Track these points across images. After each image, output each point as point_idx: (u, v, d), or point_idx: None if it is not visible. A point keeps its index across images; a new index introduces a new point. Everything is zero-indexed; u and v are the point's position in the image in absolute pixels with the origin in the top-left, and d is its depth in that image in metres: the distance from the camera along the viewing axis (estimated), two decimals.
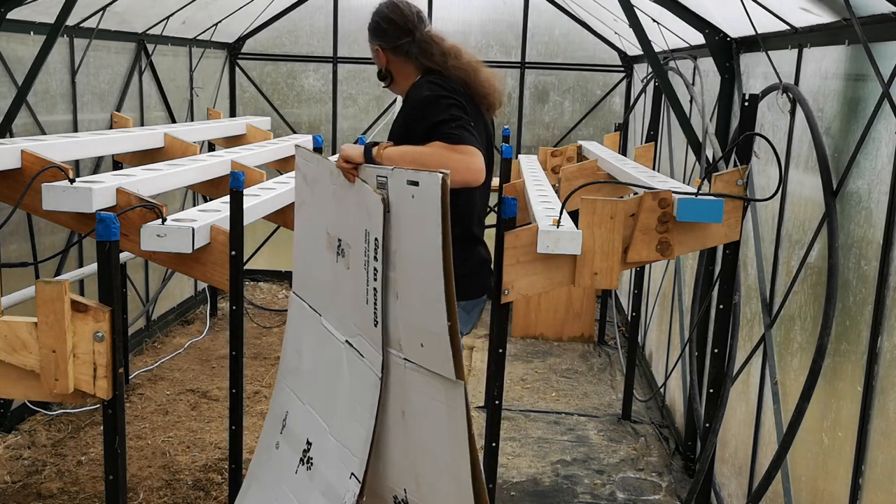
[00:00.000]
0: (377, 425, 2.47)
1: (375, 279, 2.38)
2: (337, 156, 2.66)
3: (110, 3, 4.90)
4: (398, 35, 2.85)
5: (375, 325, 2.42)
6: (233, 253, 3.14)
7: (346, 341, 2.62)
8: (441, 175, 2.12)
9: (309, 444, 2.74)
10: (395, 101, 7.51)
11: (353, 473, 2.49)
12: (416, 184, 2.21)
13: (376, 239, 2.35)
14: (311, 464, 2.71)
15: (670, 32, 4.82)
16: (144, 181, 3.42)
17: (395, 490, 2.53)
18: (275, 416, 2.99)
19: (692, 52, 4.71)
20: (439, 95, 2.65)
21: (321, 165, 2.71)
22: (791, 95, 3.10)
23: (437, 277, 2.16)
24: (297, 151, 2.87)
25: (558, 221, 3.04)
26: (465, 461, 2.25)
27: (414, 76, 2.85)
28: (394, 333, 2.40)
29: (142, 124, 5.88)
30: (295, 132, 7.55)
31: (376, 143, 2.58)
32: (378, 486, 2.59)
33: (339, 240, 2.60)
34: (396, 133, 2.73)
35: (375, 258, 2.37)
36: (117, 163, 5.01)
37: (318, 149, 4.52)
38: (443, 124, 2.55)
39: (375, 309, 2.40)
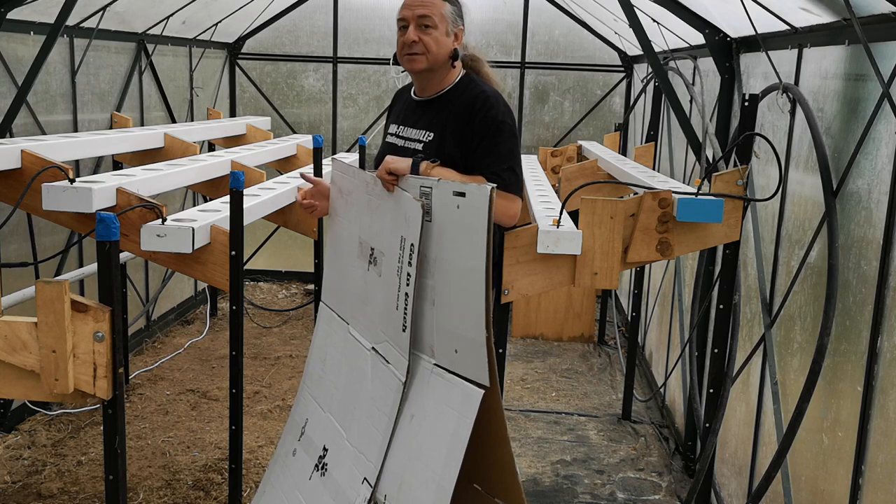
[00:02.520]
0: (394, 430, 2.51)
1: (408, 284, 2.43)
2: (372, 170, 2.66)
3: (110, 3, 4.90)
4: (464, 22, 2.73)
5: (404, 331, 2.47)
6: (233, 253, 3.14)
7: (373, 348, 2.66)
8: (489, 188, 2.20)
9: (325, 450, 2.77)
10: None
11: (365, 478, 2.52)
12: (462, 195, 2.28)
13: (412, 245, 2.41)
14: (326, 470, 2.73)
15: (670, 32, 4.82)
16: (144, 181, 3.42)
17: (378, 494, 2.54)
18: (294, 423, 3.02)
19: (692, 52, 4.71)
20: (512, 127, 2.63)
21: (357, 177, 2.74)
22: (791, 95, 3.10)
23: (480, 287, 2.25)
24: (334, 164, 2.90)
25: (558, 221, 3.04)
26: (454, 473, 2.27)
27: (448, 72, 2.72)
28: (426, 339, 2.45)
29: (142, 124, 5.88)
30: (295, 132, 7.55)
31: (424, 159, 2.55)
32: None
33: (372, 248, 2.64)
34: (432, 124, 2.68)
35: (410, 264, 2.43)
36: (117, 163, 5.01)
37: (318, 149, 4.51)
38: (502, 161, 2.57)
39: (405, 314, 2.45)
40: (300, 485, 2.84)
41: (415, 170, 2.51)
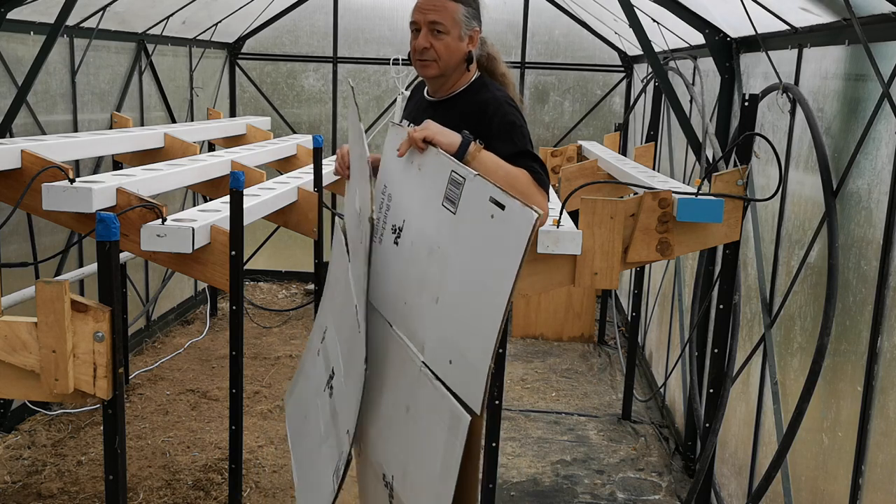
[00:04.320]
0: (367, 403, 2.45)
1: (383, 229, 2.35)
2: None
3: (110, 3, 4.90)
4: (480, 21, 2.63)
5: (357, 314, 2.38)
6: (233, 253, 3.14)
7: (355, 305, 2.55)
8: (536, 215, 1.91)
9: (333, 373, 2.69)
10: (394, 101, 7.51)
11: (348, 430, 2.47)
12: (500, 206, 2.03)
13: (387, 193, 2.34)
14: (332, 393, 2.68)
15: (670, 32, 4.82)
16: (144, 181, 3.42)
17: (385, 469, 2.48)
18: (319, 324, 2.94)
19: (692, 52, 4.71)
20: (524, 127, 2.54)
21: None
22: (791, 95, 3.10)
23: (498, 311, 2.01)
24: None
25: (558, 221, 3.04)
26: (450, 485, 2.14)
27: (462, 74, 2.64)
28: (418, 332, 2.29)
29: (142, 124, 5.88)
30: (295, 132, 7.55)
31: (474, 139, 2.40)
32: (375, 457, 2.56)
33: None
34: (444, 126, 2.57)
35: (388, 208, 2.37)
36: (117, 163, 5.01)
37: (318, 149, 4.51)
38: (531, 158, 2.47)
39: (367, 282, 2.33)
40: (319, 392, 2.79)
41: (462, 150, 2.37)
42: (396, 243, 2.43)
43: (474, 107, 2.57)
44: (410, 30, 2.61)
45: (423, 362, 2.28)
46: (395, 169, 2.48)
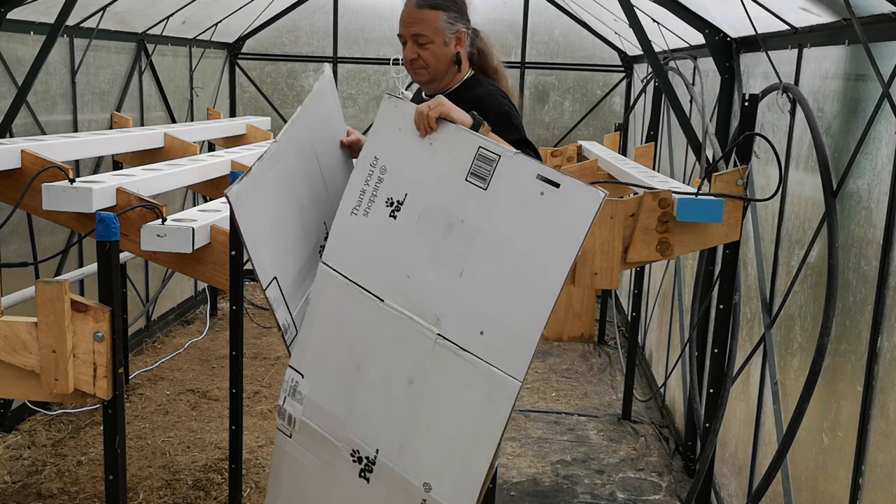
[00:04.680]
0: (331, 385, 2.54)
1: (365, 198, 2.41)
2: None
3: (110, 3, 4.90)
4: (467, 19, 2.69)
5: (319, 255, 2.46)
6: (233, 253, 3.14)
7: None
8: (603, 195, 2.10)
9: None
10: None
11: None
12: (554, 184, 2.14)
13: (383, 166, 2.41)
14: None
15: (670, 32, 4.82)
16: (144, 181, 3.42)
17: (358, 445, 2.49)
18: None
19: (692, 52, 4.71)
20: (518, 117, 2.62)
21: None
22: (791, 95, 3.10)
23: (555, 287, 2.16)
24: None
25: None
26: (486, 455, 2.25)
27: (455, 75, 2.71)
28: (430, 305, 2.34)
29: (142, 124, 5.88)
30: None
31: (484, 121, 2.45)
32: (334, 432, 2.55)
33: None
34: None
35: (379, 181, 2.41)
36: (117, 163, 5.01)
37: None
38: (527, 146, 2.54)
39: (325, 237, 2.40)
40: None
41: (475, 129, 2.40)
42: (394, 216, 2.44)
43: (470, 102, 2.62)
44: (400, 42, 2.71)
45: (438, 335, 2.32)
46: (393, 141, 2.47)
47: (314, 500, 2.67)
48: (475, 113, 2.43)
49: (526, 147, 2.54)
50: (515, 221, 2.21)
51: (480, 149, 2.27)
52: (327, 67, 2.88)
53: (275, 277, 2.55)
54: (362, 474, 2.50)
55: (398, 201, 2.43)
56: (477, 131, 2.40)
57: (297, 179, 2.64)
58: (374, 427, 2.48)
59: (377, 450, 2.47)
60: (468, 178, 2.28)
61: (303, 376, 2.67)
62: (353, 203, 2.51)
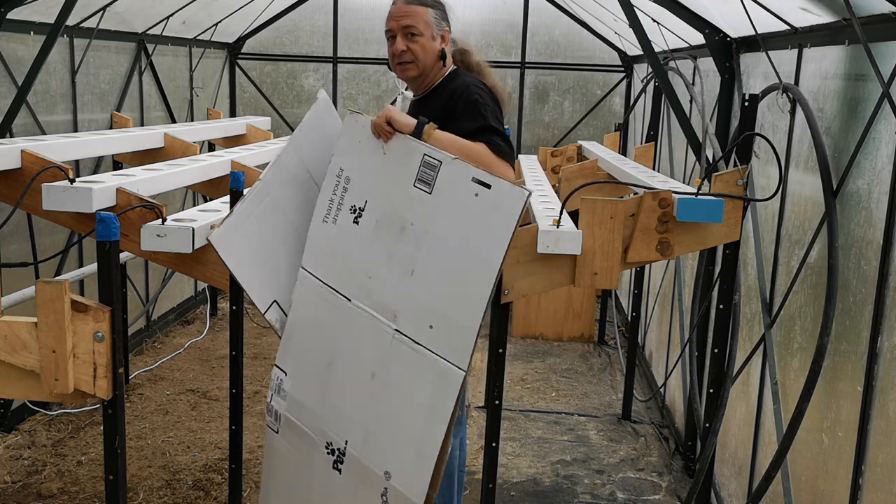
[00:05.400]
0: (304, 382, 2.71)
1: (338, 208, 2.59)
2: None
3: (110, 3, 4.90)
4: (448, 21, 2.83)
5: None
6: None
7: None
8: (527, 193, 2.24)
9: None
10: (394, 101, 7.51)
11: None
12: (486, 186, 2.30)
13: (346, 177, 2.57)
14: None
15: (670, 32, 4.82)
16: (144, 181, 3.42)
17: (331, 437, 2.66)
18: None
19: (692, 52, 4.71)
20: (488, 104, 2.69)
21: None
22: (791, 95, 3.10)
23: (489, 280, 2.31)
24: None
25: (558, 221, 3.04)
26: (436, 442, 2.38)
27: (439, 70, 2.83)
28: (388, 303, 2.51)
29: (142, 124, 5.88)
30: None
31: (429, 121, 2.59)
32: (312, 426, 2.72)
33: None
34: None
35: (345, 190, 2.62)
36: (117, 163, 5.01)
37: None
38: (492, 132, 2.63)
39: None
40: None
41: (417, 131, 2.55)
42: (357, 222, 2.64)
43: (447, 94, 2.76)
44: (386, 38, 2.85)
45: (396, 330, 2.49)
46: (354, 152, 2.69)
47: (299, 494, 2.80)
48: (422, 117, 2.58)
49: (490, 133, 2.63)
50: (456, 221, 2.38)
51: (425, 156, 2.45)
52: (321, 92, 3.01)
53: (274, 301, 2.75)
54: (335, 466, 2.67)
55: (360, 208, 2.64)
56: (422, 131, 2.56)
57: (292, 208, 2.83)
58: (345, 419, 2.64)
59: (346, 441, 2.63)
60: (416, 184, 2.45)
61: (286, 374, 2.82)
62: (324, 212, 2.73)
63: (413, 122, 2.56)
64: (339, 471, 2.65)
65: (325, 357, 2.70)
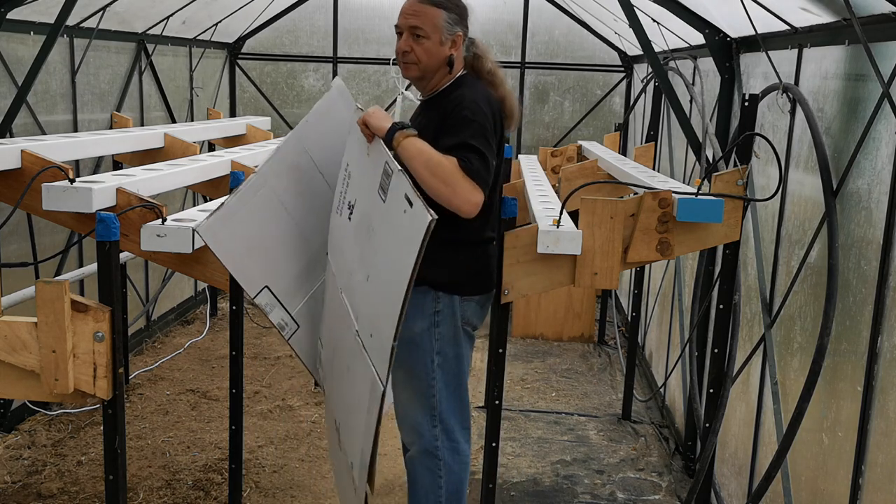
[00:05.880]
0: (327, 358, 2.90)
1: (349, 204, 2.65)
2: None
3: (110, 3, 4.90)
4: (465, 26, 2.73)
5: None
6: None
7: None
8: (430, 220, 2.15)
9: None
10: (394, 101, 7.51)
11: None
12: (410, 204, 2.27)
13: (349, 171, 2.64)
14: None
15: (670, 32, 4.82)
16: (144, 181, 3.42)
17: (336, 416, 2.83)
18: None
19: (692, 52, 4.71)
20: (477, 122, 2.59)
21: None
22: (791, 95, 3.10)
23: (399, 295, 2.24)
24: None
25: (558, 221, 3.04)
26: (369, 445, 2.43)
27: (445, 76, 2.75)
28: (355, 304, 2.56)
29: (142, 124, 5.88)
30: None
31: (406, 127, 2.53)
32: (329, 406, 2.94)
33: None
34: (427, 125, 2.69)
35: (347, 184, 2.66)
36: (117, 163, 5.01)
37: None
38: (468, 149, 2.54)
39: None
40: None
41: (388, 137, 2.52)
42: (350, 219, 2.68)
43: (448, 103, 2.69)
44: (396, 33, 2.75)
45: (356, 331, 2.54)
46: (354, 149, 2.72)
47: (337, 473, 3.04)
48: (396, 122, 2.54)
49: (465, 150, 2.54)
50: (392, 235, 2.37)
51: (385, 164, 2.42)
52: (337, 79, 2.99)
53: (265, 286, 2.78)
54: (339, 445, 2.82)
55: (352, 205, 2.66)
56: (392, 137, 2.52)
57: (290, 196, 2.84)
58: (338, 403, 2.79)
59: (338, 423, 2.79)
60: (378, 190, 2.44)
61: (322, 347, 3.00)
62: (336, 204, 2.79)
63: (386, 126, 2.51)
64: (341, 448, 2.80)
65: (332, 342, 2.85)
